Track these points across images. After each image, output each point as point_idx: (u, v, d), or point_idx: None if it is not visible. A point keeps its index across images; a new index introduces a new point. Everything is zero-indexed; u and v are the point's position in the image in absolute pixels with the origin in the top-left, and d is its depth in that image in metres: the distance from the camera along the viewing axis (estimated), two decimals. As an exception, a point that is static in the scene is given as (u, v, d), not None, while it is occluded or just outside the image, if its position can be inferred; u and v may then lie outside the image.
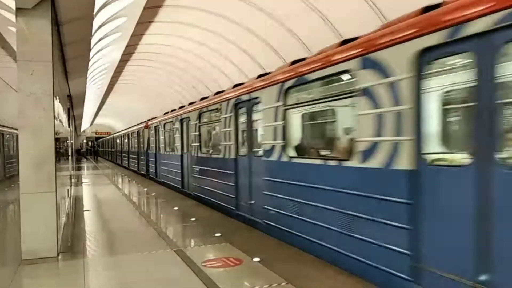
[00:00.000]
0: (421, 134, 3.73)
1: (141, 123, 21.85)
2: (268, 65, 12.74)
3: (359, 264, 4.50)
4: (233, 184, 8.10)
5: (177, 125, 12.75)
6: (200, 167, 10.53)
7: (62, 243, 6.23)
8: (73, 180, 15.66)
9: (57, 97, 6.62)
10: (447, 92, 3.87)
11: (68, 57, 9.16)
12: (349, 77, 4.75)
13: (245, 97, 7.53)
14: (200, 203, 10.28)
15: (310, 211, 5.43)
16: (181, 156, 12.48)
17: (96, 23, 8.52)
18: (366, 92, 4.33)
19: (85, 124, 48.26)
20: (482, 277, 3.16)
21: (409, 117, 3.78)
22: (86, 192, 14.30)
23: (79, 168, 27.85)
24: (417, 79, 3.69)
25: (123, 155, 28.60)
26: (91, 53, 10.72)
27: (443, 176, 3.54)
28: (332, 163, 5.08)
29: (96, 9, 7.37)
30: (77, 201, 11.53)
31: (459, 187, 3.36)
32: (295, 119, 6.51)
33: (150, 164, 18.07)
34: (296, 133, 6.46)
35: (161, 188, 14.04)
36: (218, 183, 9.04)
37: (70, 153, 14.07)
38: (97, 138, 59.30)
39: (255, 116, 7.30)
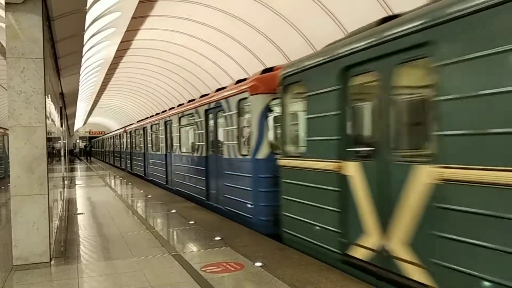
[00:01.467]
0: (208, 142, 9.53)
1: (121, 128, 28.87)
2: (270, 61, 12.57)
3: (195, 197, 10.43)
4: (164, 169, 14.14)
5: (141, 132, 18.71)
6: (152, 160, 16.40)
7: (55, 247, 6.04)
8: (66, 182, 15.41)
9: (49, 95, 6.39)
10: (212, 125, 9.33)
11: (60, 54, 8.93)
12: (194, 116, 10.50)
13: (168, 118, 13.50)
14: (154, 184, 15.69)
15: (187, 179, 11.41)
16: (144, 154, 18.18)
17: (89, 18, 8.29)
18: (196, 124, 10.25)
19: (78, 124, 47.77)
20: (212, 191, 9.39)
21: (203, 135, 9.62)
22: (79, 194, 14.08)
23: (72, 169, 27.59)
24: (205, 120, 9.50)
25: (110, 154, 34.59)
26: (84, 49, 10.49)
27: (211, 159, 9.29)
28: (190, 154, 11.12)
29: (89, 4, 7.15)
30: (70, 204, 11.30)
31: (214, 162, 9.10)
32: (183, 133, 12.28)
33: (127, 161, 23.54)
34: (184, 140, 12.26)
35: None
36: (160, 169, 14.89)
37: (62, 154, 13.81)
38: (91, 138, 58.70)
39: (172, 130, 12.97)
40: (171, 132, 13.04)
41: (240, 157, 7.73)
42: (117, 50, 15.66)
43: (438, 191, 3.38)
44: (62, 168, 13.04)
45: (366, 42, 4.29)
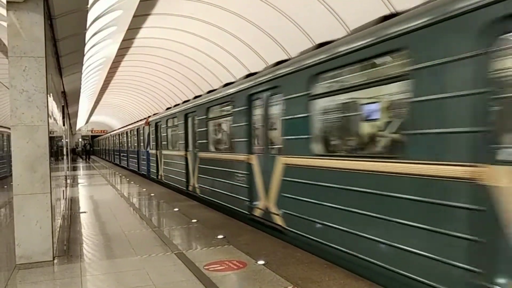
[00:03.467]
0: (138, 144, 20.75)
1: (109, 132, 44.35)
2: (271, 59, 12.56)
3: (134, 170, 22.32)
4: (125, 158, 26.30)
5: (117, 137, 30.98)
6: (123, 154, 27.65)
7: (57, 246, 6.05)
8: (68, 181, 15.43)
9: (51, 94, 6.39)
10: (139, 136, 20.87)
11: (62, 52, 8.92)
12: (134, 131, 22.23)
13: (125, 131, 26.10)
14: (125, 169, 24.87)
15: (133, 162, 22.40)
16: (119, 150, 30.12)
17: (90, 16, 8.27)
18: (135, 135, 21.81)
19: (80, 122, 47.76)
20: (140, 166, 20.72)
21: (137, 140, 21.13)
22: (82, 192, 14.10)
23: (74, 168, 27.67)
24: (137, 134, 21.37)
25: (103, 151, 47.04)
26: (86, 48, 10.47)
27: (139, 151, 20.57)
28: (134, 150, 22.36)
29: (90, 2, 7.12)
30: (72, 202, 11.32)
31: (140, 153, 20.31)
32: (131, 139, 23.48)
33: (111, 155, 36.57)
34: (132, 143, 23.10)
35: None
36: (123, 159, 27.30)
37: (65, 153, 13.82)
38: (93, 137, 58.67)
39: (127, 137, 25.28)
40: (127, 138, 24.82)
41: (144, 150, 18.65)
42: (119, 49, 15.65)
43: None
44: (64, 167, 13.05)
45: None
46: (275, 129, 6.74)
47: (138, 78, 24.67)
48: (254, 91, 7.08)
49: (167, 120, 13.81)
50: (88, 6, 7.03)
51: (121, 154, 28.55)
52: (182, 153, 11.66)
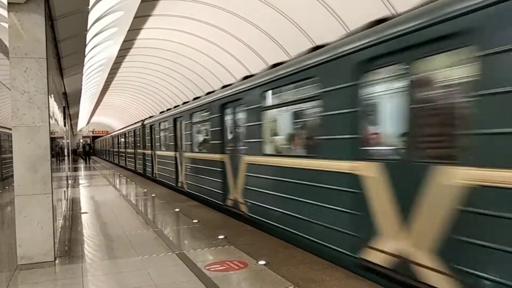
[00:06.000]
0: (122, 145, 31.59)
1: (102, 136, 54.05)
2: (271, 59, 12.55)
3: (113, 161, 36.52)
4: (109, 153, 40.82)
5: (104, 140, 47.13)
6: (109, 152, 41.21)
7: (59, 247, 6.05)
8: (69, 181, 15.44)
9: (52, 95, 6.40)
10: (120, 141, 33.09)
11: (63, 53, 8.94)
12: (119, 136, 32.50)
13: (112, 135, 37.72)
14: (109, 162, 36.27)
15: (110, 157, 39.30)
16: (106, 149, 44.30)
17: (91, 17, 8.29)
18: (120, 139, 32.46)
19: (81, 123, 47.81)
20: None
21: (109, 143, 39.21)
22: (83, 193, 14.11)
23: (75, 169, 27.71)
24: (115, 138, 35.80)
25: (101, 152, 54.58)
26: (87, 49, 10.49)
27: (112, 151, 37.26)
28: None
29: (91, 3, 7.14)
30: (74, 203, 11.33)
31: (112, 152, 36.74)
32: (108, 143, 41.93)
33: (105, 153, 45.84)
34: (121, 144, 30.21)
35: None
36: (107, 154, 42.58)
37: (66, 153, 13.84)
38: (94, 138, 58.70)
39: (114, 140, 35.37)
40: (109, 141, 37.87)
41: (111, 149, 38.09)
42: (119, 50, 15.68)
43: None
44: (65, 167, 13.07)
45: None
46: (184, 137, 12.39)
47: (139, 79, 24.71)
48: (177, 116, 12.89)
49: (117, 135, 30.47)
50: (89, 7, 7.05)
51: (109, 152, 41.66)
52: (116, 149, 31.22)
